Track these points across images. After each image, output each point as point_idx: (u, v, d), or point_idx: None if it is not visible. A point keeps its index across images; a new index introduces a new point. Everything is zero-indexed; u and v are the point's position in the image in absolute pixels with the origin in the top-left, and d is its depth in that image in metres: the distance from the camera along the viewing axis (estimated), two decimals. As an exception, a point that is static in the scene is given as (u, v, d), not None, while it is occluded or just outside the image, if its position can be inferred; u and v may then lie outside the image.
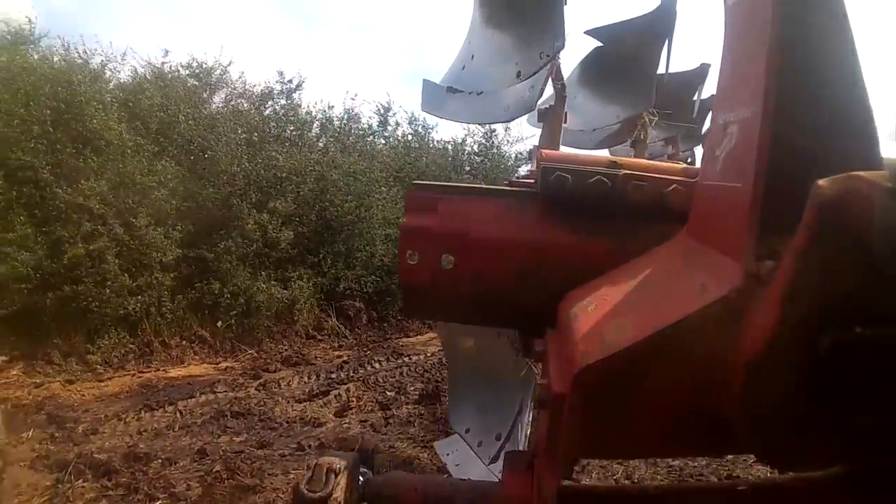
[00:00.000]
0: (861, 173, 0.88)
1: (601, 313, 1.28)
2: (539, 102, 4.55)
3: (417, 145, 15.59)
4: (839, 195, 0.87)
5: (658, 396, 1.09)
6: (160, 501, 5.04)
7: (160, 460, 5.66)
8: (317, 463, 1.79)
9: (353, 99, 17.20)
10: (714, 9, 1.46)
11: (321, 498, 1.70)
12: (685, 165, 2.38)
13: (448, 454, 5.14)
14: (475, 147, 16.80)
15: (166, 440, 6.28)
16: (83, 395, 7.64)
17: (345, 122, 14.80)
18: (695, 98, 8.65)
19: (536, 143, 5.17)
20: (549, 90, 4.67)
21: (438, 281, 1.84)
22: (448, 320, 2.92)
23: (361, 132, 15.13)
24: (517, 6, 4.57)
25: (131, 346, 9.07)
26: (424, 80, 5.05)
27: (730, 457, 5.36)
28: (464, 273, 1.82)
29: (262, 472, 5.50)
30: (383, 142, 15.70)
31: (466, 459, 4.47)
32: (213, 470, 5.41)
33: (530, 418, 3.76)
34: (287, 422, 6.93)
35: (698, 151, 9.58)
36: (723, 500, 1.54)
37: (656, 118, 6.93)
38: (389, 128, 16.03)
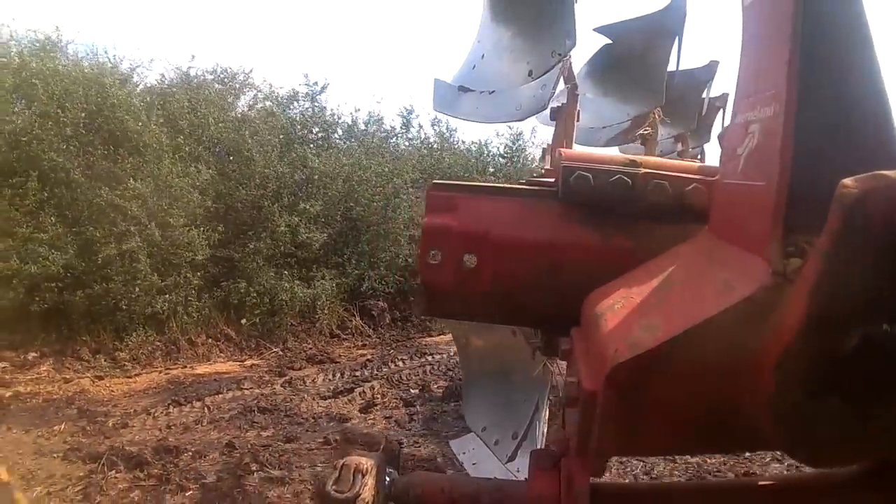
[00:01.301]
0: (885, 172, 0.89)
1: (629, 312, 1.29)
2: (550, 101, 4.55)
3: (440, 147, 15.60)
4: (864, 194, 0.88)
5: (687, 393, 1.11)
6: (191, 492, 5.15)
7: (190, 453, 5.81)
8: (343, 463, 1.79)
9: (378, 102, 17.14)
10: (723, 5, 1.46)
11: (348, 498, 1.70)
12: (701, 164, 2.38)
13: (464, 453, 5.15)
14: (500, 148, 16.60)
15: (195, 434, 6.42)
16: (112, 391, 7.79)
17: (369, 124, 15.03)
18: (704, 96, 8.61)
19: (549, 142, 5.16)
20: (559, 88, 4.67)
21: (460, 280, 1.85)
22: (470, 319, 2.94)
23: (384, 134, 15.30)
24: (527, 4, 4.57)
25: (158, 343, 9.21)
26: (436, 80, 5.06)
27: (748, 454, 5.36)
28: (486, 272, 1.83)
29: (289, 464, 5.63)
30: (407, 143, 15.79)
31: (483, 458, 4.49)
32: (243, 462, 5.56)
33: (547, 416, 3.77)
34: (313, 417, 7.02)
35: (707, 149, 9.55)
36: (748, 497, 1.55)
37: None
38: (413, 130, 15.98)
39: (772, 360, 1.02)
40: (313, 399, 7.66)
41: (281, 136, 12.17)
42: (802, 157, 1.12)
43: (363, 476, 1.76)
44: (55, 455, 5.68)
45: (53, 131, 9.02)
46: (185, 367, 8.94)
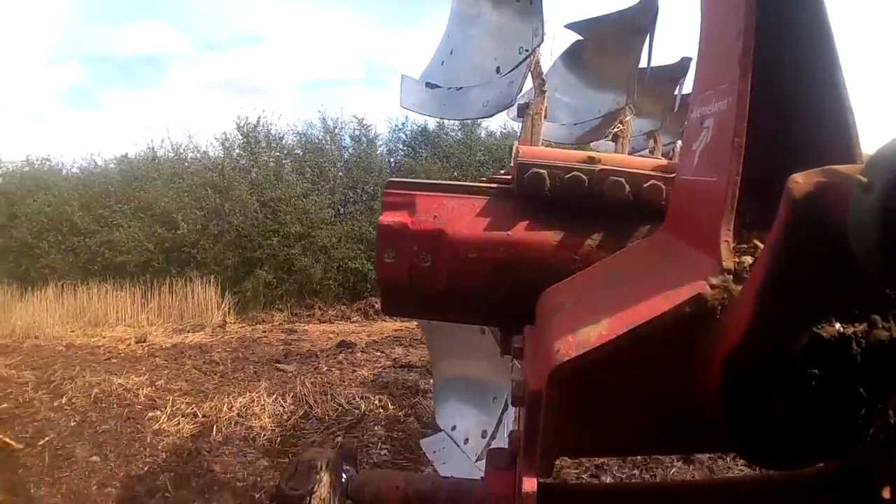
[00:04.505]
0: (836, 167, 0.86)
1: (577, 310, 1.26)
2: (518, 97, 4.51)
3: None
4: (814, 189, 0.85)
5: (635, 394, 1.08)
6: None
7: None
8: (299, 460, 1.75)
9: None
10: (695, 2, 1.44)
11: (303, 495, 1.67)
12: (665, 160, 2.36)
13: (434, 451, 5.11)
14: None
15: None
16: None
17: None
18: (676, 92, 8.61)
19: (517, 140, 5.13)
20: (528, 84, 4.64)
21: (415, 279, 1.81)
22: (427, 318, 2.90)
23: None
24: (496, 0, 4.54)
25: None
26: (403, 76, 5.00)
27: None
28: (440, 271, 1.79)
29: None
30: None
31: (453, 456, 4.45)
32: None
33: (515, 415, 3.74)
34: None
35: (680, 145, 9.57)
36: (703, 497, 1.53)
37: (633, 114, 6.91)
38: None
39: (720, 359, 0.99)
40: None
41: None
42: (755, 151, 1.09)
43: (318, 472, 1.72)
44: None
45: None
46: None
